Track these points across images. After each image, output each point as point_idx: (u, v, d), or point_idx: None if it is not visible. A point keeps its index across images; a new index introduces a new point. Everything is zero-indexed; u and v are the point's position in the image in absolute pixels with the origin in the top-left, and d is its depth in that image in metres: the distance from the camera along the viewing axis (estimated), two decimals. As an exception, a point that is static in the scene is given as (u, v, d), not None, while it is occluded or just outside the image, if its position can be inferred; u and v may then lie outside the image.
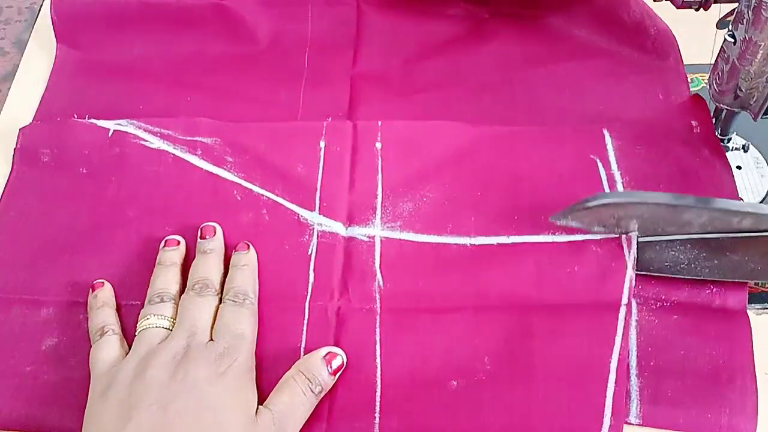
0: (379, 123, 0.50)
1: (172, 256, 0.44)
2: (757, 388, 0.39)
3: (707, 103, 0.48)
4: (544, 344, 0.41)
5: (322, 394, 0.39)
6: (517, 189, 0.47)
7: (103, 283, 0.44)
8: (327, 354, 0.40)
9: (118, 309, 0.44)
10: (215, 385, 0.37)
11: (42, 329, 0.43)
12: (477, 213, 0.46)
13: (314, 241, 0.45)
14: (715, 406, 0.39)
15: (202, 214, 0.46)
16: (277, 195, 0.48)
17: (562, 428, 0.39)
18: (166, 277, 0.43)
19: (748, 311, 0.43)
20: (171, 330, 0.41)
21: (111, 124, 0.50)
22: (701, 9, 0.44)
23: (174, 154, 0.49)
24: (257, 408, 0.38)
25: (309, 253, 0.45)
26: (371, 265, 0.44)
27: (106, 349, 0.40)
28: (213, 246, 0.45)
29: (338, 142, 0.49)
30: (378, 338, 0.42)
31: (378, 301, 0.43)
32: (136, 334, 0.41)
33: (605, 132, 0.49)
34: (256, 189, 0.47)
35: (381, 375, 0.41)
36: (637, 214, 0.40)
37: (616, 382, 0.39)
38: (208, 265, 0.43)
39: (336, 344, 0.42)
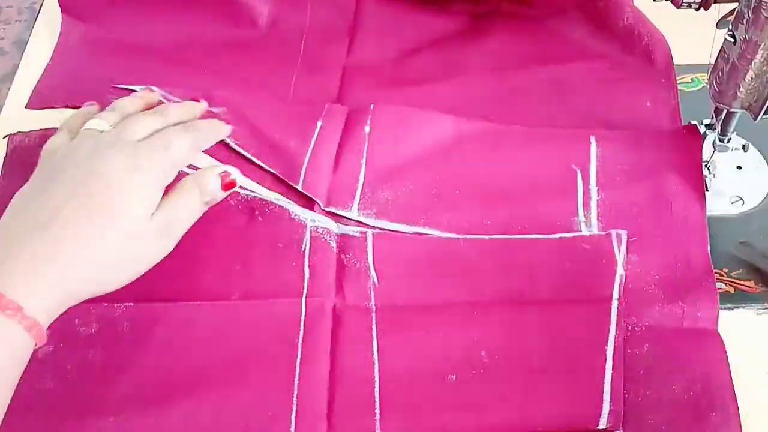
0: (372, 106, 0.50)
1: (146, 94, 0.47)
2: (738, 409, 0.39)
3: (700, 133, 0.48)
4: (540, 336, 0.41)
5: (210, 205, 0.42)
6: (493, 193, 0.48)
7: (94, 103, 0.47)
8: (222, 172, 0.42)
9: (108, 311, 0.43)
10: (125, 174, 0.38)
11: None
12: (451, 210, 0.47)
13: (307, 236, 0.45)
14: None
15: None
16: (266, 164, 0.49)
17: (562, 417, 0.39)
18: (127, 100, 0.46)
19: (748, 311, 0.43)
20: None
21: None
22: (701, 9, 0.44)
23: None
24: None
25: (302, 249, 0.45)
26: (365, 261, 0.44)
27: (56, 138, 0.43)
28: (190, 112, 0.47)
29: (332, 123, 0.50)
30: (374, 335, 0.42)
31: (373, 299, 0.43)
32: (80, 131, 0.42)
33: (592, 140, 0.49)
34: (252, 188, 0.47)
35: (379, 372, 0.41)
36: None
37: (613, 368, 0.40)
38: (170, 108, 0.45)
39: (332, 341, 0.42)
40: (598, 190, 0.47)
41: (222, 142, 0.50)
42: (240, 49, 0.56)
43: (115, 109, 0.44)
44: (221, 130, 0.48)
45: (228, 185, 0.43)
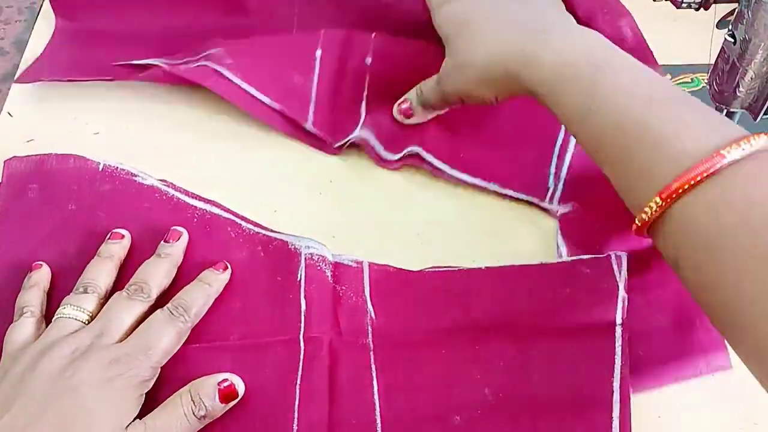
0: (373, 35, 0.52)
1: (111, 248, 0.43)
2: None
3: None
4: (545, 371, 0.40)
5: (207, 421, 0.37)
6: (481, 132, 0.49)
7: (41, 265, 0.43)
8: (223, 381, 0.38)
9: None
10: (98, 390, 0.36)
11: None
12: (441, 138, 0.49)
13: (302, 265, 0.43)
14: (688, 350, 0.40)
15: (196, 251, 0.44)
16: (272, 100, 0.49)
17: None
18: (97, 268, 0.42)
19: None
20: (86, 324, 0.39)
21: (101, 159, 0.48)
22: (701, 9, 0.44)
23: (167, 193, 0.46)
24: (134, 420, 0.36)
25: (298, 279, 0.42)
26: (361, 294, 0.43)
27: (20, 330, 0.39)
28: (171, 251, 0.43)
29: (332, 52, 0.51)
30: (374, 375, 0.40)
31: (370, 335, 0.42)
32: (53, 320, 0.40)
33: None
34: (249, 226, 0.45)
35: (380, 414, 0.39)
36: None
37: (620, 402, 0.38)
38: (155, 269, 0.42)
39: (330, 382, 0.39)
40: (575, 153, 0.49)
41: (223, 77, 0.50)
42: (232, 37, 0.55)
43: (87, 288, 0.41)
44: (212, 294, 0.42)
45: (227, 396, 0.38)
